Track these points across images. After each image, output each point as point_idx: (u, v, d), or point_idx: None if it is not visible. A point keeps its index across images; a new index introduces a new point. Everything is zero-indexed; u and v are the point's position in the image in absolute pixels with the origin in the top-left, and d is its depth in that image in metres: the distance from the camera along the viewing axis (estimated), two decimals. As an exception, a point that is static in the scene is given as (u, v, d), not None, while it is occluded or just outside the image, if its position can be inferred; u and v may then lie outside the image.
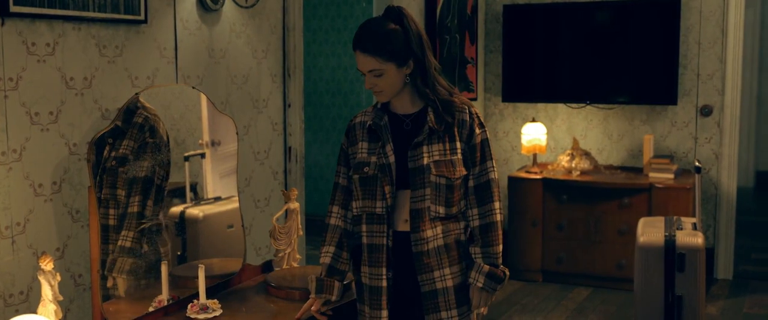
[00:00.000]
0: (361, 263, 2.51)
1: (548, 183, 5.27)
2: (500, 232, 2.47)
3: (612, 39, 5.54)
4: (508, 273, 2.49)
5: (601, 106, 5.63)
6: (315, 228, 6.39)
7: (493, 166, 2.48)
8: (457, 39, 5.39)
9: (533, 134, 5.47)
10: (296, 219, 3.13)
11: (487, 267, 2.43)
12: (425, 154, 2.43)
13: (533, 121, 5.54)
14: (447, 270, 2.43)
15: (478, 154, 2.46)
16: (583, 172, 5.33)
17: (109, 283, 2.64)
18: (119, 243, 2.67)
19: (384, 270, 2.45)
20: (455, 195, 2.44)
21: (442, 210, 2.43)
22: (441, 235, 2.44)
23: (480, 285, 2.43)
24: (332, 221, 2.57)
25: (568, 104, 5.71)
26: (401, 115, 2.52)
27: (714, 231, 5.43)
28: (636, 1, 5.44)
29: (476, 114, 2.50)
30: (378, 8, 4.75)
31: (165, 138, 2.83)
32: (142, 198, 2.74)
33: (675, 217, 3.81)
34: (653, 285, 3.52)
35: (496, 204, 2.47)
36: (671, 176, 5.09)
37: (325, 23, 6.57)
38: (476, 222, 2.46)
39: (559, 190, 5.23)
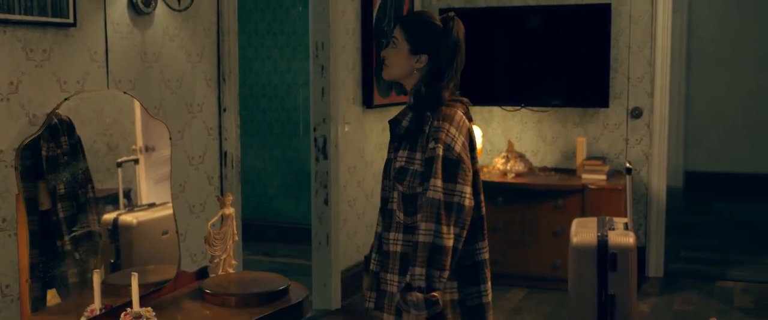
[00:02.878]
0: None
1: (484, 186, 5.29)
2: (423, 254, 2.28)
3: (546, 43, 5.63)
4: (434, 298, 2.27)
5: (535, 108, 5.71)
6: (252, 234, 6.37)
7: (437, 186, 2.30)
8: (393, 43, 5.40)
9: (469, 137, 5.52)
10: (232, 225, 3.10)
11: (402, 285, 2.33)
12: (398, 159, 2.43)
13: (469, 123, 5.59)
14: (396, 277, 2.41)
15: (431, 169, 2.33)
16: (518, 174, 5.40)
17: (38, 293, 2.57)
18: (49, 251, 2.60)
19: (374, 254, 2.53)
20: (416, 206, 2.38)
21: (401, 216, 2.42)
22: (400, 242, 2.41)
23: (397, 300, 2.35)
24: None
25: (503, 107, 5.79)
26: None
27: (645, 230, 5.57)
28: (569, 6, 5.54)
29: (438, 128, 2.35)
30: (315, 13, 4.73)
31: (84, 143, 2.76)
32: (71, 204, 2.68)
33: (607, 218, 3.89)
34: (587, 285, 3.59)
35: (424, 225, 2.29)
36: (603, 177, 5.20)
37: (262, 27, 6.52)
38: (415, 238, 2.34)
39: (494, 193, 5.29)
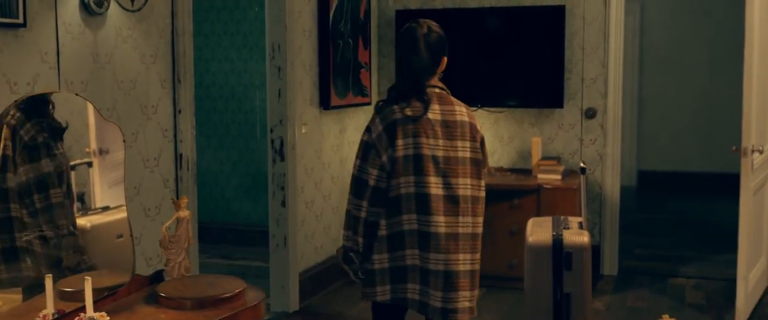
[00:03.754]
0: None
1: (441, 186, 5.34)
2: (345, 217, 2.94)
3: (502, 44, 5.68)
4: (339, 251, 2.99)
5: (491, 109, 5.76)
6: (209, 236, 6.32)
7: (356, 164, 2.96)
8: (350, 43, 5.42)
9: (426, 138, 5.55)
10: (187, 228, 3.07)
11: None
12: None
13: (426, 124, 5.62)
14: None
15: None
16: (475, 175, 5.43)
17: (-11, 299, 2.52)
18: (1, 255, 2.56)
19: None
20: None
21: None
22: None
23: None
24: None
25: (459, 108, 5.82)
26: None
27: (599, 229, 5.65)
28: (524, 7, 5.60)
29: (372, 119, 2.94)
30: (271, 14, 4.72)
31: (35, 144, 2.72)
32: (22, 206, 2.63)
33: (562, 217, 3.94)
34: (542, 284, 3.63)
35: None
36: (558, 177, 5.26)
37: (218, 27, 6.48)
38: None
39: (452, 193, 5.31)
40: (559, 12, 5.46)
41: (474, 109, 5.75)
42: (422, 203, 2.81)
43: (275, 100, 4.75)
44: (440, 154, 2.82)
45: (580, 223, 3.85)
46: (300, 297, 4.92)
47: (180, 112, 3.81)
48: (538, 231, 3.71)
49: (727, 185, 6.77)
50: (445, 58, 2.98)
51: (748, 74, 4.32)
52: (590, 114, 5.58)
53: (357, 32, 5.52)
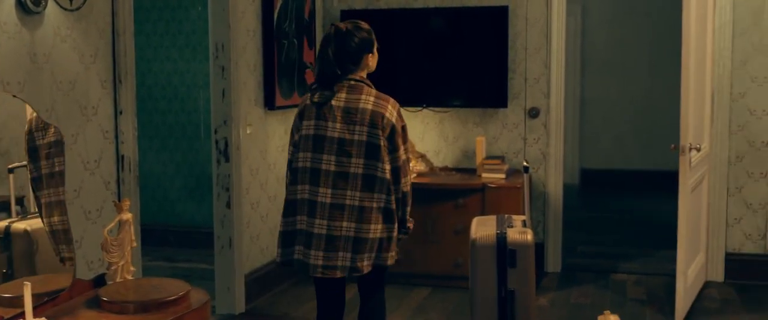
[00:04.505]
0: None
1: (387, 186, 5.35)
2: None
3: (446, 44, 5.72)
4: None
5: (437, 109, 5.80)
6: (152, 239, 6.23)
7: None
8: (295, 44, 5.39)
9: (372, 138, 5.56)
10: (129, 231, 3.02)
11: None
12: None
13: (372, 124, 5.63)
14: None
15: None
16: (419, 174, 5.47)
17: None
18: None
19: None
20: None
21: None
22: None
23: None
24: None
25: (405, 107, 5.84)
26: None
27: (543, 227, 5.72)
28: (468, 8, 5.65)
29: None
30: (214, 13, 4.67)
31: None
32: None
33: (506, 215, 3.98)
34: (487, 282, 3.66)
35: None
36: (502, 176, 5.32)
37: (160, 27, 6.39)
38: None
39: (398, 192, 5.33)
40: (502, 13, 5.52)
41: (419, 108, 5.79)
42: (314, 176, 3.24)
43: (219, 100, 4.71)
44: (336, 135, 3.22)
45: (524, 221, 3.89)
46: (246, 299, 4.89)
47: (121, 112, 3.75)
48: (482, 229, 3.75)
49: (667, 182, 6.92)
50: (369, 55, 3.33)
51: (685, 75, 4.43)
52: (533, 113, 5.65)
53: (302, 32, 5.50)
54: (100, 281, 3.05)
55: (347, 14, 5.77)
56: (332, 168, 3.22)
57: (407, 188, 3.31)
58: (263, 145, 5.11)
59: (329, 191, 3.22)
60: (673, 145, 4.54)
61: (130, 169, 3.81)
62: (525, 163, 4.10)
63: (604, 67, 9.11)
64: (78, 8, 3.42)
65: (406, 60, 5.79)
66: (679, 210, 4.54)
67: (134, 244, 3.07)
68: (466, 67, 5.68)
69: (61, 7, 3.33)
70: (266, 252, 5.20)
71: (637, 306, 4.96)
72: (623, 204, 8.24)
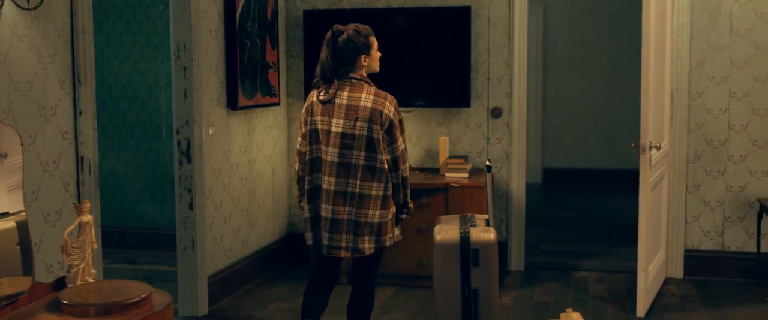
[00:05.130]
0: None
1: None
2: None
3: (410, 45, 5.73)
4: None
5: (400, 109, 5.78)
6: (113, 241, 6.16)
7: None
8: (257, 44, 5.36)
9: (336, 138, 5.55)
10: (90, 233, 2.98)
11: None
12: None
13: (335, 124, 5.62)
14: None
15: None
16: (384, 174, 5.47)
17: None
18: None
19: None
20: None
21: None
22: None
23: None
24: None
25: (368, 108, 5.84)
26: None
27: (506, 225, 5.76)
28: (431, 8, 5.66)
29: None
30: (176, 12, 4.62)
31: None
32: None
33: (469, 215, 3.99)
34: (451, 281, 3.67)
35: None
36: (466, 175, 5.34)
37: (120, 26, 6.31)
38: None
39: (362, 192, 5.33)
40: (464, 13, 5.55)
41: (383, 108, 5.78)
42: (323, 166, 3.60)
43: (181, 100, 4.67)
44: (340, 130, 3.56)
45: (487, 220, 3.91)
46: (209, 301, 4.85)
47: (81, 113, 3.70)
48: (445, 229, 3.76)
49: (628, 181, 7.02)
50: (363, 56, 3.64)
51: (645, 75, 4.49)
52: (496, 113, 5.69)
53: (264, 32, 5.47)
54: (60, 284, 3.00)
55: (310, 14, 5.75)
56: (336, 159, 3.57)
57: (406, 173, 3.66)
58: (226, 146, 5.07)
59: (334, 180, 3.58)
60: (633, 144, 4.60)
61: (90, 171, 3.76)
62: (488, 163, 4.12)
63: (566, 67, 9.21)
64: (36, 7, 3.37)
65: (369, 60, 5.79)
66: (639, 208, 4.60)
67: (95, 246, 3.03)
68: (429, 67, 5.69)
69: (18, 6, 3.27)
70: (229, 254, 5.17)
71: (599, 303, 5.02)
72: (585, 203, 8.33)
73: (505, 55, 5.65)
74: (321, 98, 3.60)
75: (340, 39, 3.61)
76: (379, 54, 3.75)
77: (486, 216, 3.97)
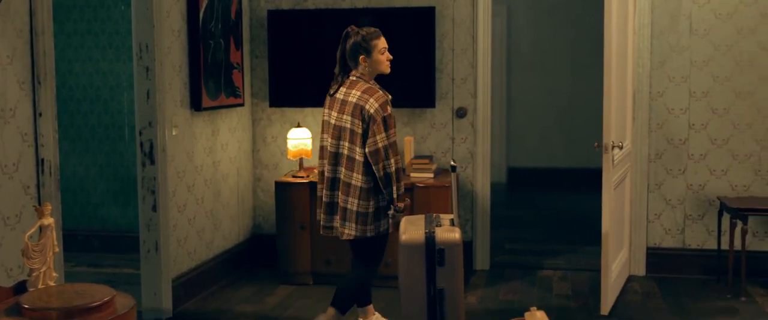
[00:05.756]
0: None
1: (315, 187, 5.32)
2: None
3: (373, 45, 5.71)
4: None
5: (365, 109, 5.79)
6: (75, 244, 6.08)
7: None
8: (221, 44, 5.33)
9: (299, 139, 5.54)
10: (51, 236, 2.94)
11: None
12: None
13: (299, 126, 5.61)
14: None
15: None
16: (349, 175, 5.46)
17: None
18: None
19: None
20: None
21: None
22: None
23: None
24: (401, 165, 4.03)
25: (333, 108, 5.83)
26: None
27: (472, 225, 5.79)
28: (395, 8, 5.67)
29: None
30: (138, 12, 4.57)
31: None
32: None
33: (435, 215, 4.00)
34: (416, 280, 3.68)
35: None
36: (431, 175, 5.36)
37: (81, 27, 6.23)
38: None
39: (327, 193, 5.32)
40: (429, 13, 5.56)
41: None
42: (323, 153, 4.08)
43: (144, 101, 4.62)
44: (334, 122, 3.99)
45: (452, 220, 3.93)
46: (173, 304, 4.81)
47: (40, 114, 3.64)
48: (411, 229, 3.77)
49: (591, 180, 7.09)
50: (362, 56, 4.01)
51: (607, 75, 4.54)
52: (461, 113, 5.71)
53: (228, 32, 5.44)
54: (20, 288, 2.96)
55: (274, 14, 5.73)
56: (331, 148, 4.01)
57: (389, 169, 3.90)
58: (190, 147, 5.03)
59: (329, 167, 4.03)
60: (596, 144, 4.65)
61: (50, 173, 3.70)
62: (453, 162, 4.13)
63: (530, 67, 9.27)
64: (-6, 7, 3.31)
65: (333, 60, 5.76)
66: (603, 207, 4.65)
67: (56, 250, 2.99)
68: (394, 67, 5.63)
69: (-25, 5, 3.22)
70: (193, 256, 5.13)
71: (563, 301, 5.06)
72: (549, 202, 8.40)
73: (470, 55, 5.67)
74: (329, 92, 4.09)
75: (347, 40, 4.02)
76: (384, 56, 4.06)
77: (451, 216, 3.98)
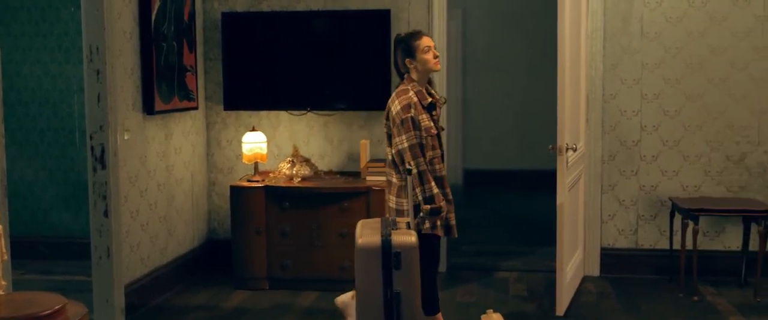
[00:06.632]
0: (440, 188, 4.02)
1: (270, 191, 5.31)
2: None
3: (330, 47, 5.71)
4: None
5: (321, 112, 5.78)
6: (24, 251, 5.95)
7: None
8: (174, 47, 5.26)
9: (254, 142, 5.49)
10: (0, 244, 2.87)
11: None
12: (439, 120, 4.15)
13: (254, 129, 5.56)
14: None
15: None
16: (304, 178, 5.44)
17: None
18: None
19: (449, 190, 4.13)
20: None
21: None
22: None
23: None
24: (426, 166, 3.96)
25: (289, 111, 5.80)
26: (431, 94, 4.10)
27: (428, 228, 5.78)
28: (351, 11, 5.66)
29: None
30: (88, 14, 4.48)
31: None
32: None
33: (391, 218, 3.99)
34: (373, 284, 3.66)
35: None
36: (388, 178, 5.35)
37: (29, 28, 6.10)
38: None
39: (281, 197, 5.29)
40: (384, 16, 5.56)
41: (303, 112, 5.77)
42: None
43: (94, 105, 4.53)
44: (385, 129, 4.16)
45: (408, 223, 3.92)
46: (126, 311, 4.72)
47: (-13, 119, 3.55)
48: (367, 232, 3.75)
49: (546, 181, 7.15)
50: (408, 59, 4.03)
51: (561, 78, 4.58)
52: (417, 116, 5.71)
53: (182, 35, 5.37)
54: (-35, 298, 2.88)
55: (228, 16, 5.67)
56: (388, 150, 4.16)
57: (414, 170, 3.91)
58: (142, 151, 4.95)
59: (388, 169, 4.23)
60: (551, 146, 4.69)
61: (-3, 178, 3.61)
62: (408, 165, 4.13)
63: (485, 70, 9.34)
64: (-63, 8, 3.22)
65: (289, 63, 5.75)
66: (557, 209, 4.69)
67: (5, 257, 2.92)
68: (350, 70, 5.69)
69: None
70: (147, 262, 5.05)
71: (519, 302, 5.09)
72: (505, 204, 8.46)
73: (425, 58, 5.67)
74: None
75: (395, 48, 4.07)
76: (429, 54, 4.00)
77: (407, 219, 3.98)
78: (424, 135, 3.97)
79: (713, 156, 5.53)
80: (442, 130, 4.24)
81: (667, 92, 5.53)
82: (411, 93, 4.00)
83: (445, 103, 4.28)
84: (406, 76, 4.08)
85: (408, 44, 4.02)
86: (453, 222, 4.16)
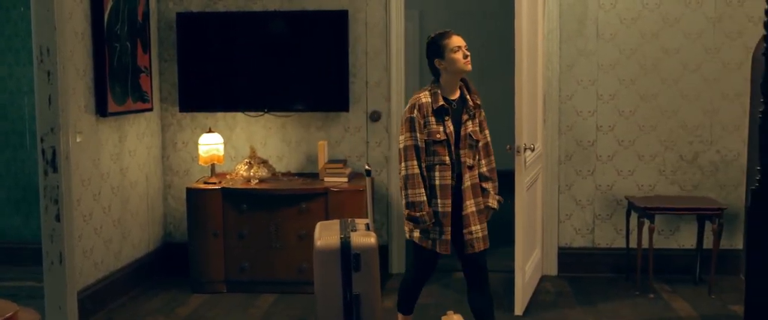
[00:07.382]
0: (432, 197, 3.78)
1: (227, 193, 5.25)
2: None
3: (287, 48, 5.66)
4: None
5: (279, 113, 5.73)
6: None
7: (488, 134, 4.01)
8: (128, 47, 5.17)
9: (210, 144, 5.43)
10: (-56, 249, 2.78)
11: (498, 196, 4.01)
12: (468, 126, 3.86)
13: (210, 131, 5.49)
14: (475, 200, 3.88)
15: (483, 127, 3.99)
16: (261, 180, 5.39)
17: None
18: None
19: (449, 201, 3.79)
20: (475, 152, 3.92)
21: (470, 161, 3.85)
22: (469, 178, 3.84)
23: (494, 206, 3.98)
24: (417, 171, 3.74)
25: (246, 113, 5.74)
26: (449, 99, 3.85)
27: (387, 229, 5.78)
28: (309, 12, 5.62)
29: (480, 104, 3.98)
30: (38, 14, 4.38)
31: None
32: None
33: (350, 219, 3.98)
34: (332, 286, 3.64)
35: (492, 157, 4.02)
36: (345, 180, 5.33)
37: (-23, 29, 5.95)
38: (484, 169, 3.96)
39: (238, 199, 5.23)
40: (342, 17, 5.53)
41: (260, 113, 5.71)
42: None
43: (45, 107, 4.43)
44: None
45: (368, 224, 3.91)
46: (80, 317, 4.62)
47: (-67, 121, 3.44)
48: (326, 234, 3.73)
49: (503, 181, 7.15)
50: (436, 60, 3.84)
51: (518, 78, 4.60)
52: (375, 117, 5.70)
53: (135, 35, 5.28)
54: None
55: (183, 17, 5.60)
56: None
57: (402, 172, 3.77)
58: (95, 154, 4.86)
59: None
60: (508, 146, 4.71)
61: (-56, 183, 3.50)
62: (367, 167, 4.12)
63: (442, 70, 9.34)
64: None
65: (246, 64, 5.68)
66: (515, 209, 4.71)
67: (-51, 264, 2.83)
68: (308, 71, 5.64)
69: None
70: (100, 267, 4.95)
71: (478, 303, 5.09)
72: (463, 204, 8.45)
73: (383, 59, 5.67)
74: None
75: (427, 51, 3.89)
76: (458, 54, 3.82)
77: (366, 221, 3.96)
78: (427, 139, 3.77)
79: (667, 155, 5.60)
80: (472, 138, 3.89)
81: (623, 93, 5.59)
82: (423, 94, 3.83)
83: (475, 107, 3.92)
84: (437, 77, 3.88)
85: (437, 44, 3.84)
86: (446, 237, 3.81)
